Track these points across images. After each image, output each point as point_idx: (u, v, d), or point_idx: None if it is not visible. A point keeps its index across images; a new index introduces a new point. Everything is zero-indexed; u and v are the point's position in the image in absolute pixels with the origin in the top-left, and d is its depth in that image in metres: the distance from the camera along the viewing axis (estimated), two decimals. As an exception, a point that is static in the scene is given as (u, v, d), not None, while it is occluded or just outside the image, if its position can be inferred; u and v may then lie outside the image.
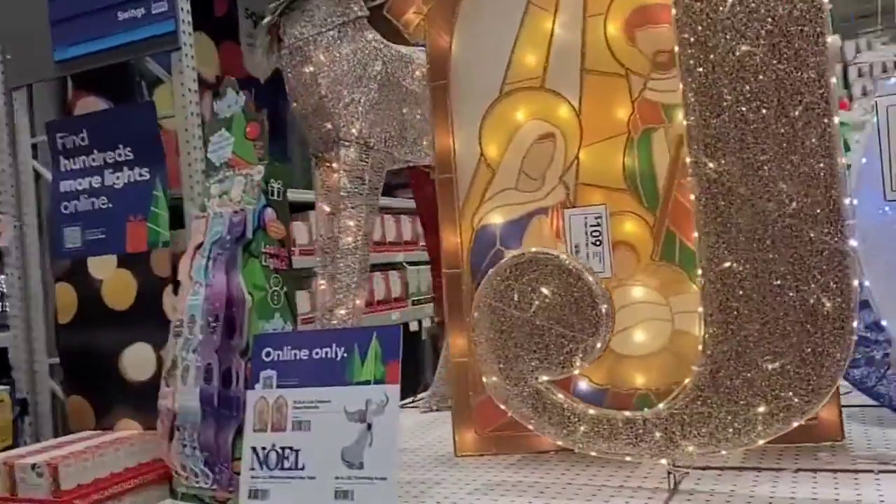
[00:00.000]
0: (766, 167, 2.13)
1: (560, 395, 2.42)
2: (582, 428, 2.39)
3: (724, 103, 2.17)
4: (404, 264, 6.64)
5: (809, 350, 2.06)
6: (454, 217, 3.02)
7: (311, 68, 3.27)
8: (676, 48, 2.25)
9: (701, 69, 2.19)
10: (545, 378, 2.42)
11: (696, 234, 2.23)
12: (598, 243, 2.78)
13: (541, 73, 2.97)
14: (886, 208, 2.00)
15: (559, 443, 2.44)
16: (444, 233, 3.04)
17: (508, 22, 3.01)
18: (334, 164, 3.27)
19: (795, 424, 2.12)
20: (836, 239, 2.05)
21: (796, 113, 2.09)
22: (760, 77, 2.13)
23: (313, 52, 3.28)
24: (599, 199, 2.85)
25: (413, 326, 6.41)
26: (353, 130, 3.14)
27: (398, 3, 3.32)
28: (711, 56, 2.19)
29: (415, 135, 3.44)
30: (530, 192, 2.96)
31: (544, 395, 2.42)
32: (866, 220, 2.02)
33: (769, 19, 2.12)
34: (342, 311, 2.99)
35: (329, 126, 3.24)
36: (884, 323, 2.00)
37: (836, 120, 2.06)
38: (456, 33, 3.06)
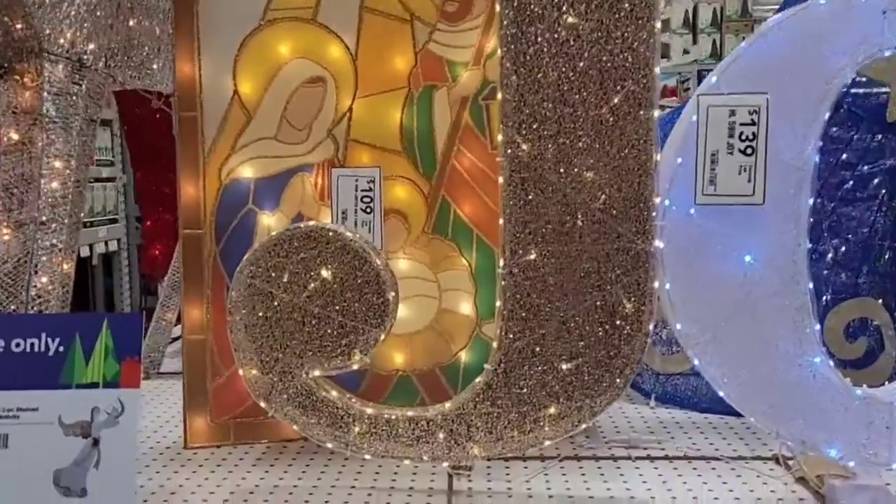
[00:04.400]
0: (581, 155, 1.96)
1: (334, 393, 2.09)
2: (357, 428, 2.09)
3: (546, 79, 1.94)
4: (77, 178, 5.57)
5: (605, 352, 1.98)
6: (197, 166, 2.50)
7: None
8: (497, 7, 1.96)
9: (523, 38, 1.93)
10: (317, 373, 2.07)
11: (500, 222, 2.00)
12: (368, 210, 2.43)
13: (312, 4, 2.51)
14: (692, 211, 1.95)
15: (329, 445, 2.11)
16: (183, 183, 2.50)
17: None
18: (27, 80, 2.47)
19: (584, 427, 2.04)
20: (643, 239, 1.96)
21: (616, 100, 1.93)
22: (585, 55, 1.93)
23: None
24: (371, 159, 2.54)
25: (83, 252, 5.82)
26: (63, 41, 2.38)
27: None
28: (536, 24, 1.93)
29: (145, 54, 2.74)
30: (293, 143, 2.54)
31: (315, 392, 2.07)
32: (674, 221, 1.97)
33: (597, -5, 1.92)
34: (44, 279, 2.30)
35: (23, 28, 2.42)
36: (677, 326, 1.98)
37: (656, 113, 1.95)
38: (210, -65, 2.45)
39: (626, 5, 1.95)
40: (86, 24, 2.44)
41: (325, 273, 2.06)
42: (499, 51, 2.00)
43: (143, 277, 5.02)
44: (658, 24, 1.96)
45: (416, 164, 2.55)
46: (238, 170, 2.52)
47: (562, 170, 1.99)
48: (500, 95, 2.00)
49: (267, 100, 2.50)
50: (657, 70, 1.97)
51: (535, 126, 2.00)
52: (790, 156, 1.95)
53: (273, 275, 2.01)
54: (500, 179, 2.02)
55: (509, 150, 2.00)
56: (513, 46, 1.98)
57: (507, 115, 2.00)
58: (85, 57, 2.45)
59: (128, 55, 2.64)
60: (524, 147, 2.00)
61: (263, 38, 2.48)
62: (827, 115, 1.93)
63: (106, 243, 6.49)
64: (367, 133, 2.53)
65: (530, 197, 2.01)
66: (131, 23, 2.64)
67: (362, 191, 2.34)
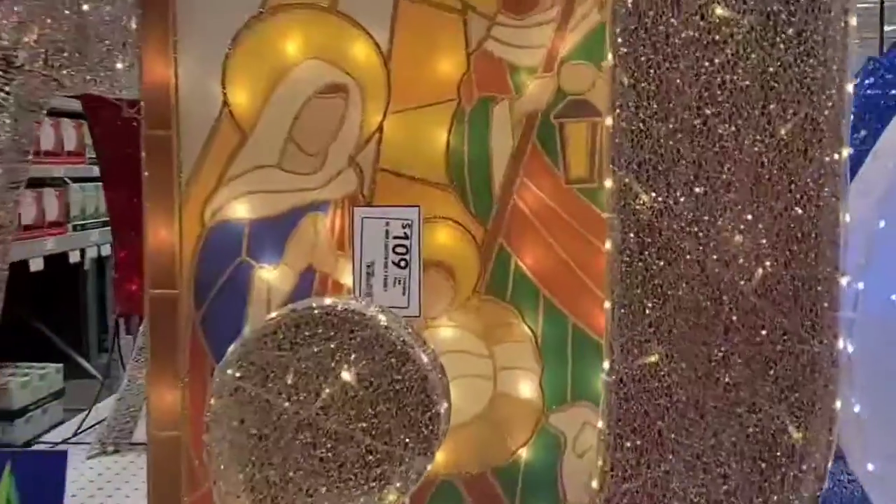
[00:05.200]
0: (729, 212, 1.32)
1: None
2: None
3: (680, 101, 1.30)
4: (66, 180, 4.97)
5: (759, 501, 1.33)
6: (171, 202, 1.95)
7: None
8: (609, -5, 1.32)
9: (647, 39, 1.29)
10: (332, 514, 1.43)
11: (606, 305, 1.37)
12: (402, 264, 1.89)
13: None
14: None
15: None
16: (151, 225, 2.00)
17: None
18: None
19: None
20: (820, 337, 1.32)
21: (784, 131, 1.29)
22: (741, 65, 1.29)
23: None
24: (408, 195, 1.97)
25: (74, 257, 5.43)
26: (-17, 32, 1.76)
27: None
28: (668, 18, 1.29)
29: (104, 51, 2.11)
30: (302, 174, 1.98)
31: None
32: (871, 314, 1.33)
33: (766, -29, 1.27)
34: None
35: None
36: (868, 467, 1.34)
37: (846, 153, 1.30)
38: None
39: (807, -10, 1.29)
40: (17, 9, 1.80)
41: (346, 375, 1.42)
42: (608, 56, 1.35)
43: (118, 319, 4.39)
44: (854, 20, 1.30)
45: (466, 201, 2.01)
46: (228, 208, 1.96)
47: (700, 232, 1.37)
48: (608, 121, 1.39)
49: (268, 114, 1.95)
50: (850, 88, 1.31)
51: (661, 168, 1.37)
52: None
53: (271, 375, 1.38)
54: (608, 245, 1.41)
55: (624, 203, 1.39)
56: (632, 50, 1.35)
57: (621, 150, 1.38)
58: (16, 54, 1.82)
59: (80, 51, 2.00)
60: (645, 198, 1.37)
61: (264, 31, 1.93)
62: None
63: (98, 247, 5.90)
64: (402, 160, 1.99)
65: (653, 271, 1.37)
66: (85, 7, 2.00)
67: (395, 237, 1.88)
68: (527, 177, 1.99)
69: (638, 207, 1.39)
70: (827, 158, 1.34)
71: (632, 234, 1.39)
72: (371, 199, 1.96)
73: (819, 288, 1.36)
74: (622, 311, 1.41)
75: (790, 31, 1.33)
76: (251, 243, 1.95)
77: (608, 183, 1.41)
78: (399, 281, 1.89)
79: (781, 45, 1.33)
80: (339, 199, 1.96)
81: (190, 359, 1.93)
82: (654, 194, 1.38)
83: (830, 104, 1.33)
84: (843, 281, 1.36)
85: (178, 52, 1.89)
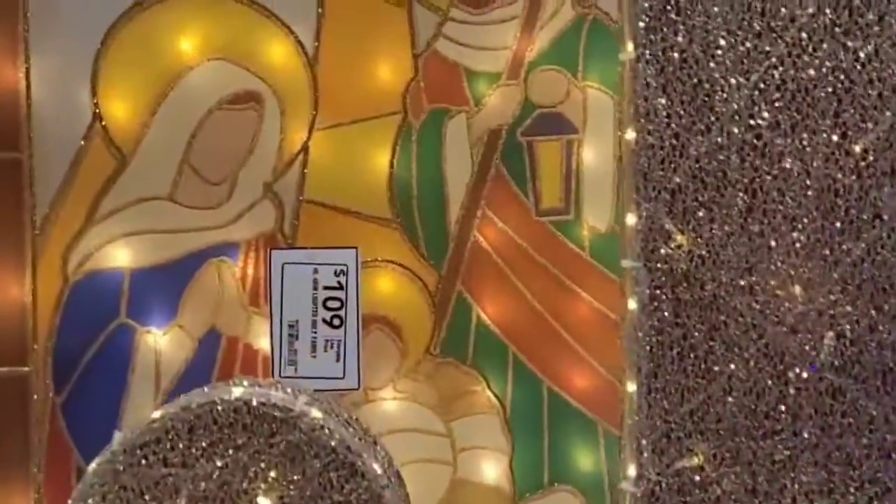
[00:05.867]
0: (790, 258, 1.02)
1: None
2: None
3: (726, 115, 0.96)
4: None
5: None
6: (21, 247, 1.57)
7: None
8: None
9: (680, 33, 0.98)
10: None
11: (629, 388, 1.07)
12: (336, 322, 1.52)
13: None
14: None
15: None
16: None
17: None
18: None
19: None
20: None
21: (861, 147, 0.99)
22: (805, 59, 0.97)
23: None
24: (342, 233, 1.67)
25: None
26: None
27: None
28: (709, 7, 0.96)
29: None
30: (203, 208, 1.64)
31: None
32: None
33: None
34: None
35: None
36: None
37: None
38: None
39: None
40: None
41: (265, 502, 1.01)
42: (629, 53, 1.01)
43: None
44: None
45: (415, 240, 1.72)
46: (101, 255, 1.62)
47: (756, 286, 1.02)
48: (629, 135, 1.07)
49: (156, 131, 1.60)
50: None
51: (703, 199, 1.07)
52: None
53: (158, 492, 0.96)
54: (631, 304, 1.09)
55: (652, 247, 1.03)
56: (660, 38, 1.00)
57: (649, 175, 1.00)
58: None
59: None
60: (681, 240, 1.01)
61: (150, 23, 1.58)
62: None
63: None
64: (333, 189, 1.69)
65: (694, 339, 1.01)
66: None
67: (326, 288, 1.51)
68: (489, 208, 1.73)
69: (671, 252, 1.03)
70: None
71: (664, 290, 1.03)
72: (294, 238, 1.64)
73: (912, 358, 1.04)
74: (653, 395, 1.04)
75: (870, 15, 1.00)
76: (133, 300, 1.63)
77: (630, 219, 1.07)
78: (332, 344, 1.54)
79: (858, 33, 1.00)
80: (251, 240, 1.64)
81: (47, 459, 1.56)
82: (693, 234, 1.03)
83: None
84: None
85: (31, 51, 1.52)
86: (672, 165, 1.06)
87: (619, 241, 1.73)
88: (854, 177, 1.07)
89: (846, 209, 1.07)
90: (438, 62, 1.67)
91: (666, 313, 1.07)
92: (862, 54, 1.06)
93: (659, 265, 1.07)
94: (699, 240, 1.06)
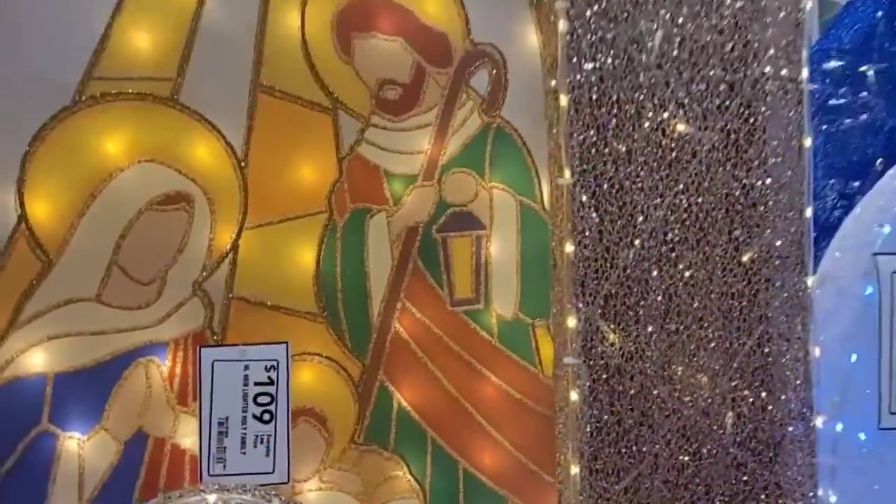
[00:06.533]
0: (700, 352, 1.18)
1: None
2: None
3: (647, 224, 1.14)
4: None
5: None
6: None
7: None
8: (562, 100, 1.13)
9: (608, 155, 1.13)
10: None
11: (573, 471, 1.14)
12: (266, 417, 1.51)
13: (173, 74, 1.57)
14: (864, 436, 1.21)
15: None
16: None
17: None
18: None
19: None
20: (803, 492, 1.19)
21: (747, 258, 1.18)
22: (704, 184, 1.16)
23: None
24: (270, 329, 1.64)
25: None
26: None
27: None
28: (628, 134, 1.13)
29: None
30: (131, 308, 1.59)
31: None
32: (850, 453, 1.21)
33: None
34: None
35: None
36: None
37: (810, 281, 1.21)
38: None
39: (764, 107, 1.19)
40: None
41: None
42: (567, 179, 1.15)
43: None
44: (809, 142, 1.23)
45: (340, 333, 1.73)
46: (23, 360, 1.52)
47: (674, 377, 1.17)
48: (567, 248, 1.17)
49: (84, 233, 1.53)
50: (809, 212, 1.22)
51: (630, 302, 1.16)
52: None
53: None
54: (574, 395, 1.16)
55: (592, 347, 1.14)
56: (591, 167, 1.14)
57: (585, 284, 1.14)
58: None
59: None
60: (613, 339, 1.15)
61: (80, 127, 1.53)
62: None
63: None
64: (261, 286, 1.67)
65: (627, 425, 1.14)
66: None
67: (257, 384, 1.49)
68: (408, 300, 1.76)
69: (606, 349, 1.17)
70: (794, 288, 1.22)
71: (601, 383, 1.17)
72: (223, 336, 1.61)
73: (795, 431, 1.22)
74: (593, 476, 1.16)
75: (750, 150, 1.22)
76: (56, 405, 1.51)
77: (571, 322, 1.18)
78: (262, 439, 1.51)
79: (743, 166, 1.21)
80: (179, 339, 1.59)
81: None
82: (623, 333, 1.18)
83: (793, 229, 1.23)
84: (819, 422, 1.23)
85: None
86: (605, 274, 1.23)
87: (524, 326, 1.89)
88: (745, 283, 1.29)
89: (740, 310, 1.28)
90: (361, 165, 1.71)
91: (603, 403, 1.22)
92: (746, 182, 1.30)
93: (596, 361, 1.22)
94: (628, 338, 1.22)
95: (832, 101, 2.37)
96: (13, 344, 1.46)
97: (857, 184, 2.40)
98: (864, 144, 2.38)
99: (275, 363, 1.54)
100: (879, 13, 2.39)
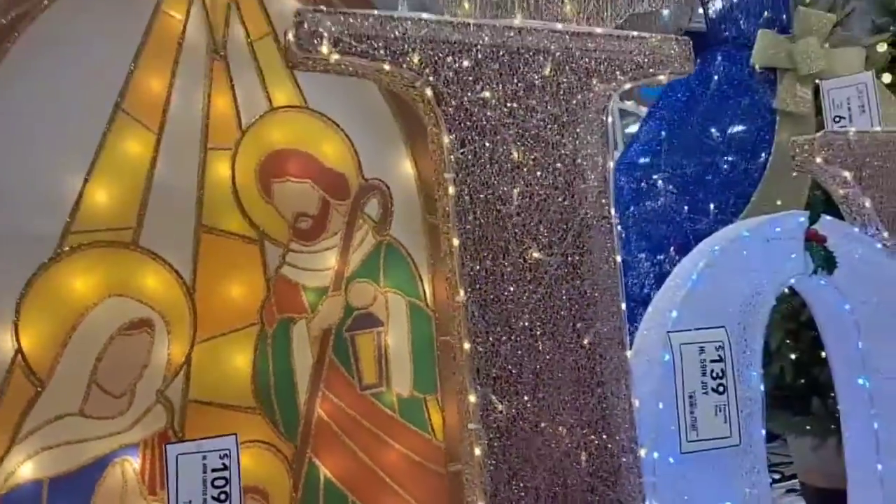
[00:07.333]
0: (563, 409, 1.66)
1: None
2: None
3: (518, 324, 1.63)
4: None
5: None
6: None
7: None
8: (455, 241, 1.61)
9: (489, 278, 1.62)
10: None
11: None
12: (222, 497, 1.76)
13: (133, 223, 1.88)
14: (671, 460, 1.74)
15: None
16: None
17: (78, 129, 1.81)
18: None
19: None
20: (636, 501, 1.69)
21: (587, 341, 1.70)
22: (555, 295, 1.68)
23: None
24: (219, 424, 1.91)
25: None
26: None
27: None
28: (500, 260, 1.63)
29: None
30: (107, 418, 1.82)
31: None
32: (664, 475, 1.73)
33: (562, 225, 1.70)
34: None
35: None
36: None
37: (629, 354, 1.74)
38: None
39: (588, 239, 1.74)
40: None
41: None
42: (459, 293, 1.62)
43: None
44: (619, 259, 1.78)
45: (275, 421, 2.03)
46: (22, 471, 1.72)
47: (548, 429, 1.65)
48: (465, 346, 1.61)
49: (67, 359, 1.77)
50: (623, 306, 1.77)
51: (510, 381, 1.64)
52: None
53: None
54: (477, 451, 1.60)
55: (487, 415, 1.60)
56: (478, 287, 1.63)
57: (479, 370, 1.61)
58: None
59: None
60: (500, 407, 1.62)
61: (62, 272, 1.79)
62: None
63: None
64: (211, 389, 1.95)
65: (516, 468, 1.61)
66: None
67: (213, 470, 1.73)
68: (327, 389, 2.08)
69: (497, 417, 1.64)
70: (618, 360, 1.76)
71: (496, 440, 1.63)
72: (183, 433, 1.86)
73: (627, 461, 1.75)
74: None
75: (582, 269, 1.75)
76: None
77: (472, 398, 1.64)
78: None
79: (578, 282, 1.74)
80: (148, 439, 1.83)
81: None
82: (507, 404, 1.65)
83: (614, 319, 1.77)
84: (643, 452, 1.76)
85: None
86: (492, 363, 1.68)
87: (418, 401, 2.28)
88: (586, 359, 1.79)
89: (585, 378, 1.76)
90: (283, 283, 2.04)
91: (498, 454, 1.65)
92: (582, 290, 1.84)
93: (491, 426, 1.66)
94: (510, 406, 1.69)
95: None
96: (14, 457, 1.66)
97: (661, 257, 3.05)
98: (660, 231, 3.02)
99: (227, 451, 1.82)
100: (663, 133, 3.07)
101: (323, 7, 1.58)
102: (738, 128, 2.90)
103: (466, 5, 2.03)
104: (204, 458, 1.77)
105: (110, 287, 1.81)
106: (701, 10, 3.19)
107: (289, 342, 2.05)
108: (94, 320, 1.79)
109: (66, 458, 1.73)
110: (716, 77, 2.88)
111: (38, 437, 1.70)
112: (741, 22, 2.98)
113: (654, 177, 2.92)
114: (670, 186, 2.87)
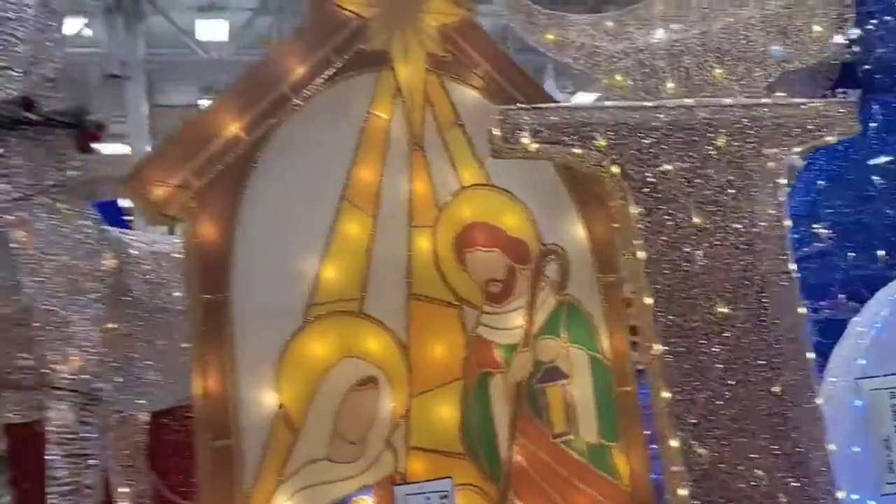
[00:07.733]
0: (758, 454, 1.79)
1: None
2: None
3: (711, 373, 1.79)
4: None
5: None
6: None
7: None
8: (647, 300, 1.80)
9: (680, 332, 1.79)
10: None
11: None
12: None
13: (357, 294, 2.15)
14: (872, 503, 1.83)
15: None
16: None
17: (313, 218, 2.13)
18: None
19: None
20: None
21: (777, 388, 1.82)
22: (741, 344, 1.83)
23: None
24: (433, 468, 2.14)
25: None
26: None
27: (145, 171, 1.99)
28: (689, 316, 1.80)
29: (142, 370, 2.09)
30: (347, 462, 2.08)
31: None
32: (859, 517, 1.83)
33: (745, 282, 1.86)
34: None
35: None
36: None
37: (819, 401, 1.86)
38: (239, 229, 2.02)
39: (771, 293, 1.89)
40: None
41: None
42: (654, 346, 1.81)
43: None
44: (803, 311, 1.92)
45: (480, 466, 2.22)
46: None
47: (740, 466, 1.78)
48: (664, 394, 1.79)
49: (314, 411, 2.05)
50: (811, 354, 1.90)
51: (707, 426, 1.80)
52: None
53: None
54: (683, 492, 1.76)
55: (688, 458, 1.76)
56: (672, 340, 1.81)
57: (679, 416, 1.77)
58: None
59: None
60: (701, 451, 1.77)
61: (306, 339, 2.08)
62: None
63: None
64: (427, 437, 2.18)
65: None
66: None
67: None
68: (522, 437, 2.26)
69: (700, 461, 1.79)
70: (809, 405, 1.88)
71: (699, 483, 1.78)
72: (406, 476, 2.09)
73: (824, 501, 1.85)
74: None
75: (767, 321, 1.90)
76: None
77: (673, 442, 1.81)
78: None
79: (764, 333, 1.89)
80: (379, 481, 2.06)
81: None
82: (707, 449, 1.81)
83: (801, 370, 1.89)
84: (841, 494, 1.86)
85: (236, 367, 1.96)
86: (689, 412, 1.87)
87: (605, 448, 2.41)
88: (779, 405, 1.92)
89: (779, 424, 1.91)
90: (480, 342, 2.25)
91: (701, 497, 1.83)
92: (769, 341, 1.97)
93: (694, 468, 1.83)
94: (711, 451, 1.85)
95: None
96: (279, 498, 1.93)
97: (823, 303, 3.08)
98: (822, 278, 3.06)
99: (446, 493, 2.05)
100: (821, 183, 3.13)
101: (522, 105, 1.85)
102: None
103: (619, 77, 2.27)
104: (427, 498, 2.01)
105: (343, 349, 2.09)
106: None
107: (488, 394, 2.25)
108: (333, 378, 2.06)
109: (317, 497, 1.99)
110: (873, 125, 2.95)
111: (296, 479, 1.97)
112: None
113: (815, 226, 3.00)
114: (832, 234, 2.94)
